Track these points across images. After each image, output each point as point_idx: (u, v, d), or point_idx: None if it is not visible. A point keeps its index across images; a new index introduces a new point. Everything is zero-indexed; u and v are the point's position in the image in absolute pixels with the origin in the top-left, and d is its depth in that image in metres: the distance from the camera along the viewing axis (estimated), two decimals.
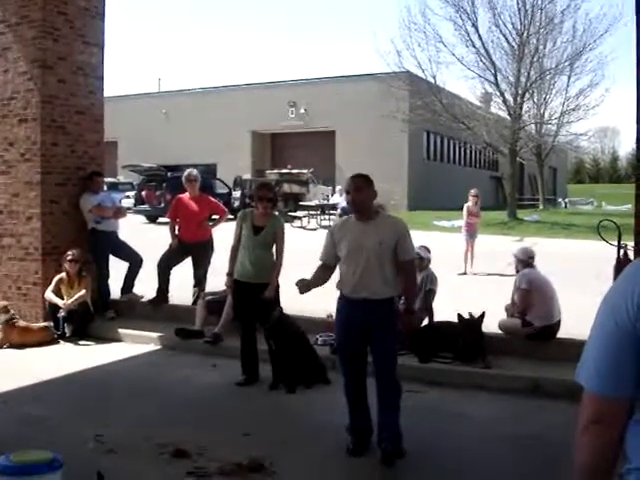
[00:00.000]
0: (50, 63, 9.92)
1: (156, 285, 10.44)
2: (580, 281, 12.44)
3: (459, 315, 8.05)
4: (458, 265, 15.51)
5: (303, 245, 20.45)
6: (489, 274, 14.95)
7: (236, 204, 31.08)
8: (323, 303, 8.52)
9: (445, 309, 8.77)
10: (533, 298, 8.15)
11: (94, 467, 4.63)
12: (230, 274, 7.53)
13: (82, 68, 10.35)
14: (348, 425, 5.61)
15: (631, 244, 7.71)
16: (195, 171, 10.66)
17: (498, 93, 36.10)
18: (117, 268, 10.73)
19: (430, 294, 8.75)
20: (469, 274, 15.38)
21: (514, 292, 8.47)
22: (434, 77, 34.83)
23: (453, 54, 34.58)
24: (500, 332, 8.43)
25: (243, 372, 7.51)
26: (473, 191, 16.96)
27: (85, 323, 9.55)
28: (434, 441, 5.76)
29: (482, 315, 8.08)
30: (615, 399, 1.78)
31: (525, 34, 34.44)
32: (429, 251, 9.01)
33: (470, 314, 8.04)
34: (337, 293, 5.58)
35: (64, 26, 10.04)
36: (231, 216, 11.13)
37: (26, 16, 9.83)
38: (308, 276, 5.69)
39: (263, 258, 7.47)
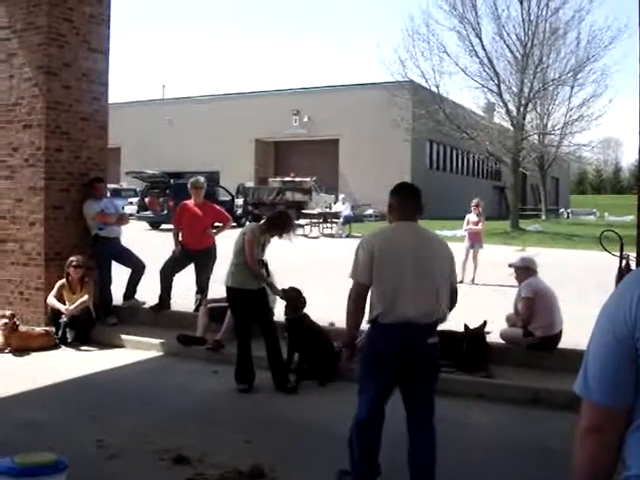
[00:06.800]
0: (55, 69, 9.96)
1: (158, 291, 10.45)
2: (582, 291, 12.45)
3: (466, 326, 8.04)
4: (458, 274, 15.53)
5: (309, 255, 20.50)
6: (491, 284, 14.92)
7: (239, 212, 31.13)
8: (324, 311, 8.57)
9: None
10: (536, 307, 8.15)
11: (96, 472, 4.64)
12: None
13: (87, 74, 10.38)
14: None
15: (633, 254, 7.73)
16: (202, 178, 10.72)
17: (501, 103, 36.25)
18: (119, 274, 10.74)
19: None
20: (467, 282, 15.38)
21: (517, 301, 8.47)
22: (437, 87, 35.02)
23: (457, 64, 34.81)
24: (502, 341, 8.43)
25: (240, 381, 7.51)
26: (473, 201, 17.10)
27: (87, 329, 9.55)
28: None
29: (484, 324, 8.08)
30: (613, 408, 1.80)
31: (529, 45, 34.55)
32: None
33: (466, 325, 8.02)
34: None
35: (70, 33, 10.08)
36: (234, 224, 11.15)
37: (32, 22, 9.87)
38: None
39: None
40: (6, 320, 8.97)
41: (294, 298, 7.87)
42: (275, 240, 7.78)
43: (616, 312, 1.78)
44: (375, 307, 4.53)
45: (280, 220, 7.71)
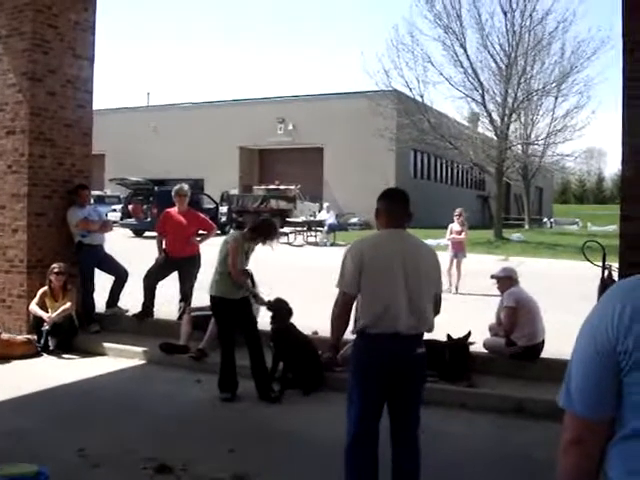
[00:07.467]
0: (40, 76, 9.92)
1: (141, 299, 10.41)
2: (564, 301, 12.49)
3: (448, 336, 8.04)
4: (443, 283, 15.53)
5: (293, 263, 20.47)
6: (474, 293, 14.97)
7: (223, 219, 31.07)
8: (308, 320, 8.56)
9: None
10: (519, 317, 8.19)
11: None
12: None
13: (71, 81, 10.35)
14: None
15: (615, 265, 7.76)
16: (186, 186, 10.70)
17: (485, 113, 36.42)
18: (102, 282, 10.69)
19: None
20: (450, 292, 15.35)
21: (499, 311, 8.50)
22: (422, 96, 35.10)
23: (441, 74, 34.91)
24: (484, 351, 8.45)
25: (223, 390, 7.48)
26: (456, 210, 17.18)
27: (69, 336, 9.49)
28: None
29: (468, 335, 8.10)
30: (595, 420, 1.81)
31: (513, 55, 34.75)
32: None
33: (448, 335, 8.02)
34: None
35: (54, 39, 10.05)
36: (218, 231, 11.12)
37: (16, 28, 9.84)
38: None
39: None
40: None
41: (281, 308, 7.87)
42: (259, 248, 7.77)
43: (599, 324, 1.79)
44: (363, 317, 4.43)
45: (264, 227, 7.69)
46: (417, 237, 4.82)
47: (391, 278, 4.41)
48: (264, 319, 8.12)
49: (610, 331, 1.76)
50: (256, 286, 8.21)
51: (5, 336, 9.15)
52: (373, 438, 4.48)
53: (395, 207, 4.65)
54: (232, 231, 8.23)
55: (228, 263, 7.37)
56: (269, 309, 7.84)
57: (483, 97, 35.30)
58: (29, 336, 9.39)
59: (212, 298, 7.57)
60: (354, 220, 39.53)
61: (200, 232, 10.74)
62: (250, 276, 7.82)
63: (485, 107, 35.77)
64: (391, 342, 4.36)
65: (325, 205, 33.43)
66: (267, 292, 8.18)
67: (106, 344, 9.54)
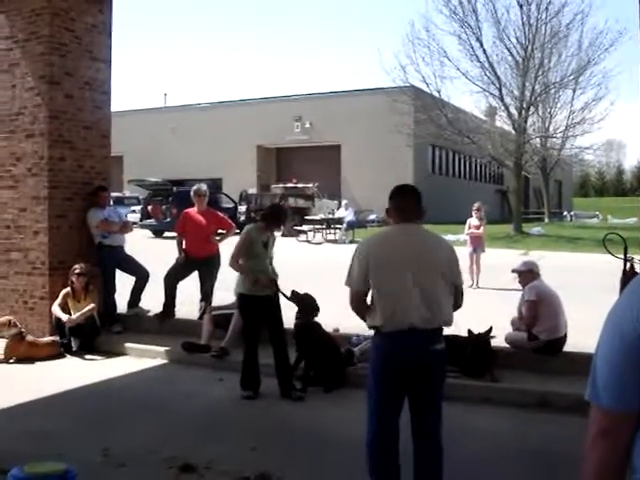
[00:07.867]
0: (57, 79, 9.98)
1: (163, 299, 10.45)
2: (586, 294, 12.43)
3: (469, 331, 8.01)
4: (465, 279, 15.48)
5: (312, 261, 20.48)
6: (495, 288, 14.91)
7: (242, 218, 31.17)
8: (327, 317, 8.55)
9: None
10: (540, 310, 8.14)
11: None
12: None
13: (89, 83, 10.41)
14: None
15: (637, 257, 7.72)
16: (205, 186, 10.74)
17: (503, 107, 36.25)
18: (124, 282, 10.75)
19: None
20: (473, 287, 15.30)
21: (521, 305, 8.46)
22: (439, 91, 35.00)
23: (458, 68, 34.80)
24: (506, 346, 8.41)
25: (245, 388, 7.49)
26: (475, 205, 17.10)
27: (92, 337, 9.56)
28: None
29: (489, 330, 8.06)
30: (622, 413, 1.80)
31: (530, 48, 34.56)
32: None
33: (469, 331, 7.98)
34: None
35: (71, 42, 10.11)
36: (237, 230, 11.13)
37: (34, 32, 9.90)
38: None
39: (272, 270, 7.69)
40: (14, 330, 9.00)
41: (310, 305, 7.86)
42: (277, 247, 7.77)
43: (623, 316, 1.78)
44: (376, 315, 4.40)
45: (273, 213, 7.81)
46: (429, 231, 4.80)
47: (401, 272, 4.36)
48: (287, 316, 8.10)
49: (635, 323, 1.74)
50: (281, 292, 8.11)
51: (30, 338, 9.22)
52: (393, 435, 4.47)
53: (405, 203, 4.60)
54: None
55: (249, 259, 7.39)
56: (296, 303, 7.81)
57: (500, 91, 35.15)
58: (53, 338, 9.45)
59: (239, 295, 7.59)
60: (372, 217, 39.46)
61: (219, 231, 10.77)
62: (276, 284, 7.66)
63: (502, 101, 35.64)
64: (407, 337, 4.32)
65: (343, 202, 33.41)
66: (285, 289, 8.13)
67: (128, 344, 9.59)
